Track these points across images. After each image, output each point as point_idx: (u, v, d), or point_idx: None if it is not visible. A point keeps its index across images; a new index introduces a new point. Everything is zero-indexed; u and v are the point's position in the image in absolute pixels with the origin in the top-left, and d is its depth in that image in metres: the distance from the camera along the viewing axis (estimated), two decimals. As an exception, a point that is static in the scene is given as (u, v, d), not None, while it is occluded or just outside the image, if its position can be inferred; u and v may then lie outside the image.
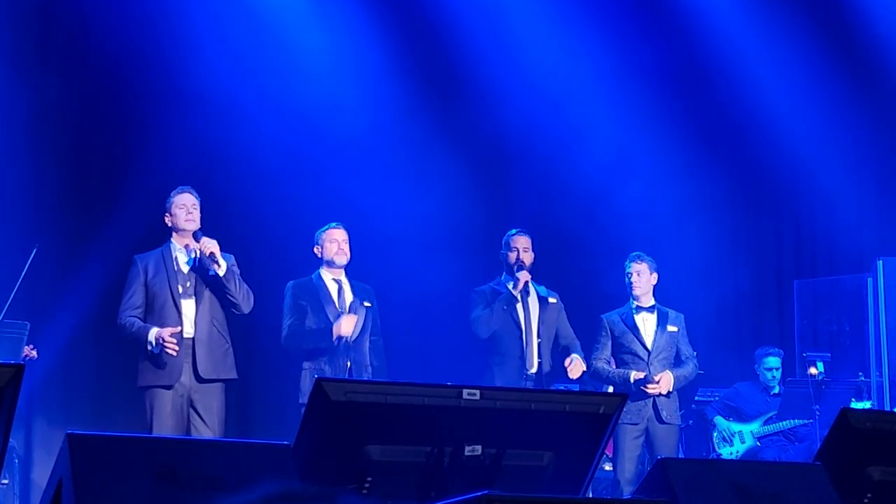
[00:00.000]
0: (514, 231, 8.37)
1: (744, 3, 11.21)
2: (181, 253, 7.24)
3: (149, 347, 7.03)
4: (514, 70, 10.73)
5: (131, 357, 7.30)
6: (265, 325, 7.83)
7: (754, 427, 9.97)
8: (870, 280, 9.98)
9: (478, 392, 3.71)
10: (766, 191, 11.63)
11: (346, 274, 7.89)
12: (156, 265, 7.20)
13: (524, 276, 8.14)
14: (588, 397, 4.53)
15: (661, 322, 8.35)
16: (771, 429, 9.94)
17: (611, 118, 10.85)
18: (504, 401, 3.79)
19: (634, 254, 8.46)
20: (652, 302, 8.41)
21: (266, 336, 7.80)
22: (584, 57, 10.79)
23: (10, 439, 3.80)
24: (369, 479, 3.64)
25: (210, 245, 7.11)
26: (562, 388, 9.02)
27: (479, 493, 2.58)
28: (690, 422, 10.15)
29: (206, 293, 7.18)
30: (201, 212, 7.37)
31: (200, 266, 7.18)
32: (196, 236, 7.15)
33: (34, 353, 8.19)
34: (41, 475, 8.52)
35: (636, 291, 8.36)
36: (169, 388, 7.03)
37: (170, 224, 7.28)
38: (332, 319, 7.64)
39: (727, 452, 9.91)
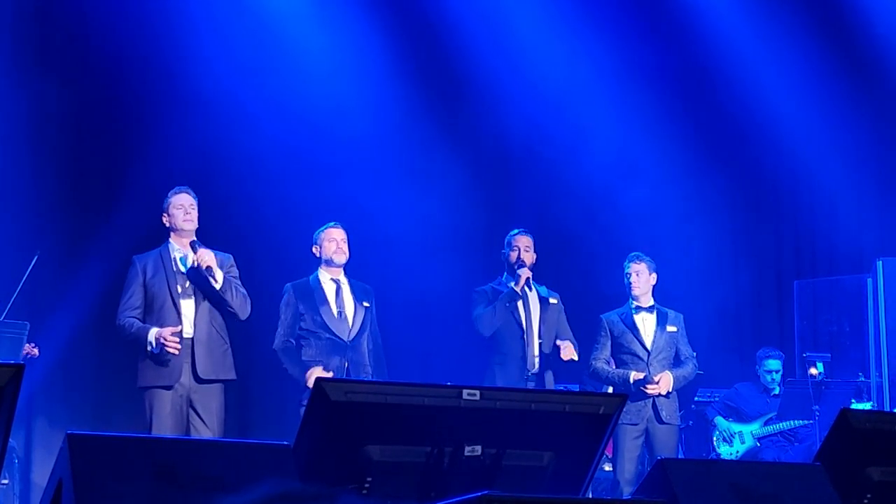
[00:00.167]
0: (516, 231, 8.39)
1: (744, 3, 11.21)
2: (180, 253, 7.24)
3: (148, 348, 7.03)
4: (516, 72, 10.73)
5: (131, 357, 7.30)
6: (265, 326, 7.82)
7: (754, 427, 9.98)
8: (870, 280, 9.98)
9: (478, 392, 3.71)
10: (766, 191, 11.63)
11: (347, 274, 7.89)
12: (154, 265, 7.19)
13: (525, 272, 8.15)
14: (588, 397, 4.54)
15: (661, 322, 8.35)
16: (771, 429, 9.94)
17: (611, 119, 10.85)
18: (504, 401, 3.79)
19: (633, 254, 8.46)
20: (651, 302, 8.41)
21: (266, 337, 7.79)
22: (584, 58, 10.79)
23: (11, 439, 3.80)
24: (369, 479, 3.64)
25: (206, 258, 7.09)
26: (562, 388, 9.03)
27: (479, 494, 2.58)
28: (690, 422, 10.15)
29: (204, 294, 7.17)
30: (202, 212, 7.37)
31: (198, 272, 7.17)
32: (193, 246, 7.12)
33: (35, 350, 8.19)
34: (41, 475, 8.53)
35: (635, 291, 8.36)
36: (168, 388, 7.02)
37: (168, 224, 7.28)
38: (328, 321, 7.64)
39: (727, 453, 9.91)
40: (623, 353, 8.33)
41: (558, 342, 8.10)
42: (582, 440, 3.83)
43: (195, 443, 5.14)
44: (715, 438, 10.04)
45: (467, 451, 3.68)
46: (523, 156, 10.88)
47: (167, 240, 7.29)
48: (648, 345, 8.30)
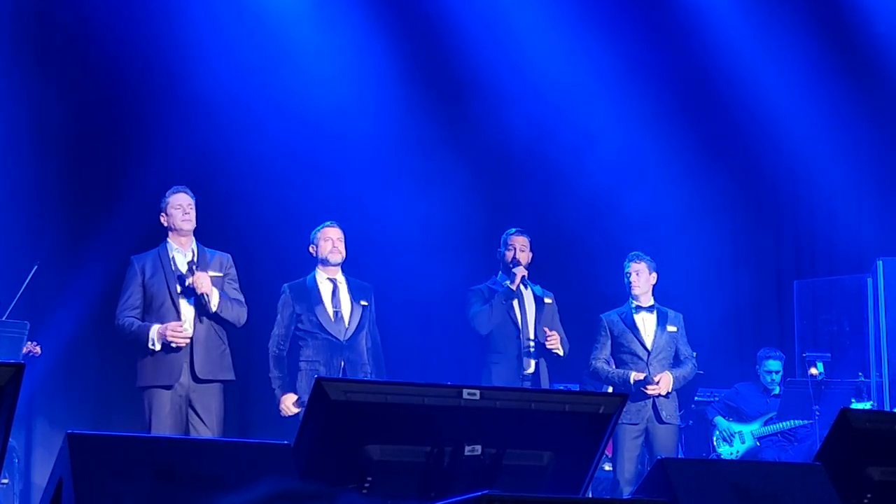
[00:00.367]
0: (512, 230, 8.39)
1: (744, 4, 11.21)
2: (178, 253, 7.22)
3: (150, 345, 7.01)
4: (518, 73, 10.73)
5: (131, 357, 7.30)
6: (265, 326, 7.82)
7: (754, 427, 9.98)
8: (870, 280, 9.98)
9: (478, 392, 3.71)
10: (766, 191, 11.63)
11: (347, 273, 7.89)
12: (153, 265, 7.18)
13: (520, 270, 8.16)
14: (588, 397, 4.53)
15: (661, 322, 8.35)
16: (771, 429, 9.94)
17: (612, 119, 10.85)
18: (504, 401, 3.79)
19: (633, 253, 8.46)
20: (651, 301, 8.41)
21: (266, 337, 7.79)
22: (586, 60, 10.78)
23: (11, 439, 3.80)
24: (369, 478, 3.64)
25: (202, 285, 7.06)
26: (562, 388, 9.03)
27: (479, 493, 2.57)
28: (690, 422, 10.15)
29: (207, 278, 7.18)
30: (201, 212, 7.36)
31: (193, 291, 7.16)
32: (191, 267, 7.08)
33: (38, 349, 8.19)
34: (41, 475, 8.52)
35: (635, 291, 8.36)
36: (168, 387, 7.02)
37: (166, 224, 7.26)
38: (324, 321, 7.63)
39: (727, 452, 9.91)
40: (623, 353, 8.33)
41: (546, 329, 8.09)
42: (582, 440, 3.83)
43: (195, 442, 5.14)
44: (715, 438, 10.05)
45: (467, 450, 3.68)
46: (524, 156, 10.87)
47: (165, 239, 7.27)
48: (648, 345, 8.30)
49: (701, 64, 11.13)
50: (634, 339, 8.30)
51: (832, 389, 9.57)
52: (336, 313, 7.68)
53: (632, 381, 8.16)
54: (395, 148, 10.32)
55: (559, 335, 8.15)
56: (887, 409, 9.44)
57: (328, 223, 7.85)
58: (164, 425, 6.96)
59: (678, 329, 8.40)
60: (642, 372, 8.21)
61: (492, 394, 3.79)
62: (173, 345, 7.00)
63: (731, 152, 11.44)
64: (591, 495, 6.22)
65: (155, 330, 7.02)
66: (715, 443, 10.04)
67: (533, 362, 8.07)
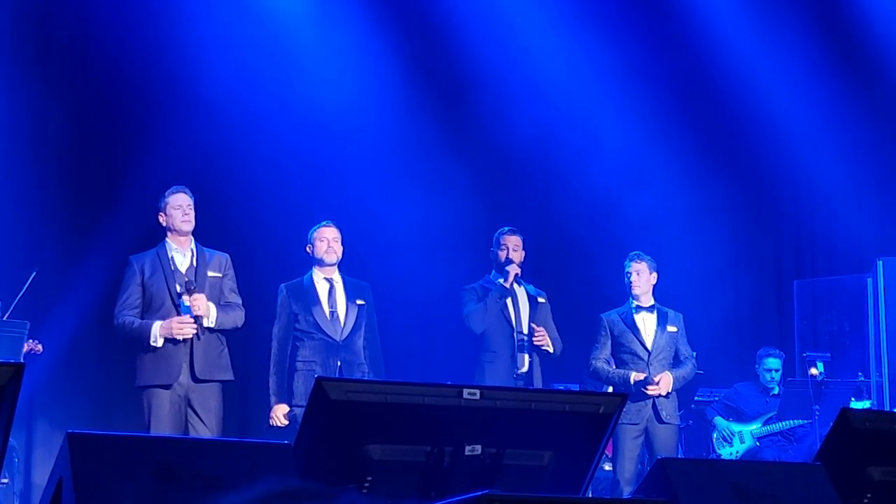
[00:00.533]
0: (505, 229, 8.38)
1: (744, 5, 11.21)
2: (177, 253, 7.21)
3: (152, 342, 7.00)
4: (521, 75, 10.73)
5: (131, 356, 7.30)
6: (265, 327, 7.82)
7: (754, 427, 9.98)
8: (870, 280, 9.98)
9: (478, 392, 3.71)
10: (767, 191, 11.63)
11: (347, 273, 7.88)
12: (152, 265, 7.16)
13: (514, 268, 8.16)
14: (588, 397, 4.54)
15: (661, 322, 8.35)
16: (770, 429, 9.94)
17: (612, 119, 10.85)
18: (504, 400, 3.79)
19: (634, 253, 8.46)
20: (651, 301, 8.40)
21: (265, 337, 7.79)
22: (586, 61, 10.79)
23: (11, 439, 3.80)
24: (369, 478, 3.64)
25: (199, 308, 7.04)
26: (562, 388, 9.03)
27: (479, 493, 2.58)
28: (690, 422, 10.15)
29: (205, 293, 7.16)
30: (202, 211, 7.36)
31: (198, 267, 7.16)
32: (189, 288, 7.07)
33: (39, 347, 8.19)
34: (42, 475, 8.52)
35: (636, 291, 8.35)
36: (167, 387, 7.01)
37: (164, 224, 7.23)
38: (320, 321, 7.63)
39: (727, 453, 9.91)
40: (623, 353, 8.32)
41: (533, 325, 8.09)
42: (582, 440, 3.83)
43: (195, 442, 5.14)
44: (714, 438, 10.05)
45: (467, 450, 3.68)
46: (526, 157, 10.88)
47: (163, 239, 7.26)
48: (649, 345, 8.30)
49: (701, 65, 11.13)
50: (635, 340, 8.30)
51: (832, 389, 9.57)
52: (332, 313, 7.67)
53: (632, 382, 8.15)
54: (396, 148, 10.32)
55: (548, 333, 8.14)
56: (887, 408, 9.45)
57: (324, 223, 7.83)
58: (163, 425, 6.95)
59: (678, 329, 8.40)
60: (643, 372, 8.21)
61: (492, 394, 3.79)
62: (179, 337, 6.98)
63: (731, 153, 11.44)
64: (591, 495, 6.22)
65: (158, 326, 7.01)
66: (714, 443, 10.04)
67: (527, 361, 8.06)
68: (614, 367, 8.37)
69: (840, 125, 11.24)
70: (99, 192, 9.49)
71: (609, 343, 8.35)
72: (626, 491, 7.96)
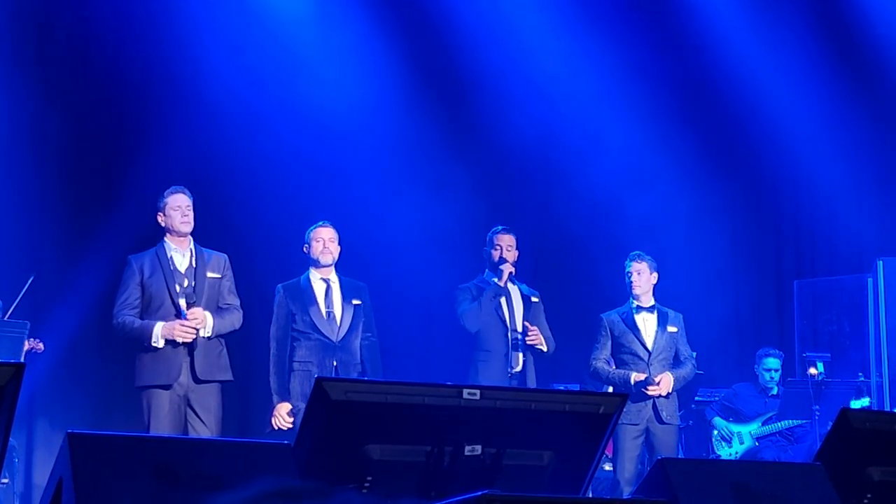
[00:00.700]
0: (498, 228, 8.37)
1: (744, 5, 11.21)
2: (176, 253, 7.20)
3: (153, 342, 6.99)
4: (523, 76, 10.73)
5: (131, 357, 7.29)
6: (264, 327, 7.82)
7: (753, 428, 9.98)
8: (870, 280, 9.98)
9: (478, 392, 3.71)
10: (767, 192, 11.63)
11: (347, 273, 7.87)
12: (151, 265, 7.15)
13: (507, 267, 8.16)
14: (588, 397, 4.54)
15: (662, 322, 8.34)
16: (769, 429, 9.94)
17: (613, 119, 10.85)
18: (504, 400, 3.79)
19: (634, 253, 8.45)
20: (652, 302, 8.40)
21: (265, 337, 7.78)
22: (587, 63, 10.79)
23: (11, 439, 3.80)
24: (369, 478, 3.64)
25: (198, 321, 7.03)
26: (562, 388, 9.02)
27: (479, 493, 2.58)
28: (690, 422, 10.15)
29: (204, 294, 7.16)
30: (202, 211, 7.35)
31: (198, 267, 7.16)
32: (188, 302, 7.06)
33: (40, 345, 8.19)
34: (42, 475, 8.52)
35: (636, 290, 8.34)
36: (167, 387, 7.00)
37: (163, 224, 7.22)
38: (317, 321, 7.62)
39: (726, 453, 9.91)
40: (624, 353, 8.32)
41: (527, 323, 8.09)
42: (582, 440, 3.83)
43: (195, 442, 5.14)
44: (714, 439, 10.05)
45: (467, 450, 3.68)
46: (527, 159, 10.88)
47: (162, 239, 7.25)
48: (649, 345, 8.29)
49: (702, 65, 11.14)
50: (635, 340, 8.29)
51: (832, 389, 9.57)
52: (329, 313, 7.65)
53: (632, 382, 8.15)
54: (397, 148, 10.32)
55: (541, 332, 8.13)
56: (887, 408, 9.45)
57: (321, 223, 7.81)
58: (162, 425, 6.94)
59: (678, 329, 8.40)
60: (643, 372, 8.20)
61: (492, 394, 3.79)
62: (179, 340, 6.98)
63: (731, 153, 11.44)
64: (591, 495, 6.22)
65: (160, 327, 7.00)
66: (714, 444, 10.05)
67: (521, 360, 8.06)
68: (614, 367, 8.37)
69: (840, 125, 11.24)
70: (99, 192, 9.49)
71: (609, 343, 8.35)
72: (626, 491, 7.96)
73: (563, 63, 10.80)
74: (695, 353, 8.55)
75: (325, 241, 7.73)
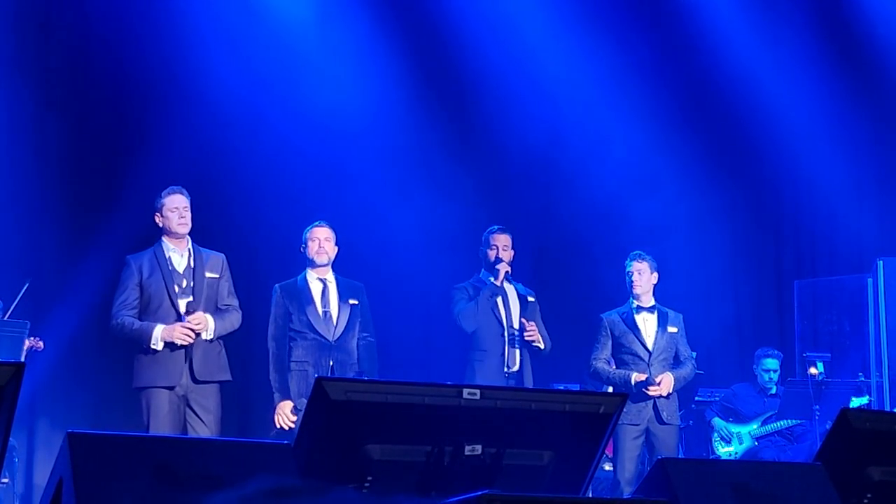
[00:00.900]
0: (494, 228, 8.37)
1: (745, 6, 11.22)
2: (174, 253, 7.19)
3: (153, 344, 6.98)
4: (526, 79, 10.74)
5: (131, 357, 7.29)
6: (264, 327, 7.82)
7: (752, 428, 9.98)
8: (870, 280, 9.98)
9: (478, 392, 3.71)
10: (767, 192, 11.64)
11: (342, 272, 7.86)
12: (150, 265, 7.14)
13: (503, 267, 8.15)
14: (588, 397, 4.53)
15: (662, 323, 8.34)
16: (768, 429, 9.94)
17: (615, 123, 10.85)
18: (504, 400, 3.79)
19: (635, 252, 8.45)
20: (652, 302, 8.40)
21: (265, 337, 7.78)
22: (590, 66, 10.79)
23: (12, 439, 3.80)
24: (369, 478, 3.64)
25: (200, 325, 7.04)
26: (562, 388, 9.02)
27: (479, 493, 2.58)
28: (690, 422, 10.15)
29: (203, 294, 7.16)
30: (202, 211, 7.35)
31: (196, 268, 7.16)
32: (189, 308, 7.06)
33: (41, 344, 8.19)
34: (42, 475, 8.52)
35: (637, 290, 8.34)
36: (166, 388, 7.00)
37: (161, 225, 7.20)
38: (313, 321, 7.62)
39: (726, 453, 9.91)
40: (624, 354, 8.31)
41: (523, 320, 8.08)
42: (582, 440, 3.83)
43: (195, 442, 5.14)
44: (713, 439, 10.05)
45: (467, 450, 3.68)
46: (530, 161, 10.88)
47: (160, 239, 7.25)
48: (650, 345, 8.29)
49: (703, 67, 11.14)
50: (636, 340, 8.29)
51: (832, 389, 9.57)
52: (325, 313, 7.65)
53: (633, 382, 8.15)
54: (399, 150, 10.32)
55: (536, 326, 8.12)
56: (887, 408, 9.45)
57: (317, 223, 7.80)
58: (162, 425, 6.94)
59: (679, 330, 8.39)
60: (643, 373, 8.20)
61: (492, 393, 3.79)
62: (179, 342, 6.98)
63: (732, 153, 11.44)
64: (591, 495, 6.23)
65: (160, 329, 6.99)
66: (714, 444, 10.05)
67: (518, 358, 8.05)
68: (615, 367, 8.36)
69: (840, 125, 11.24)
70: (99, 192, 9.49)
71: (609, 343, 8.34)
72: (627, 491, 7.96)
73: (564, 64, 10.80)
74: (695, 354, 8.55)
75: (320, 241, 7.72)
